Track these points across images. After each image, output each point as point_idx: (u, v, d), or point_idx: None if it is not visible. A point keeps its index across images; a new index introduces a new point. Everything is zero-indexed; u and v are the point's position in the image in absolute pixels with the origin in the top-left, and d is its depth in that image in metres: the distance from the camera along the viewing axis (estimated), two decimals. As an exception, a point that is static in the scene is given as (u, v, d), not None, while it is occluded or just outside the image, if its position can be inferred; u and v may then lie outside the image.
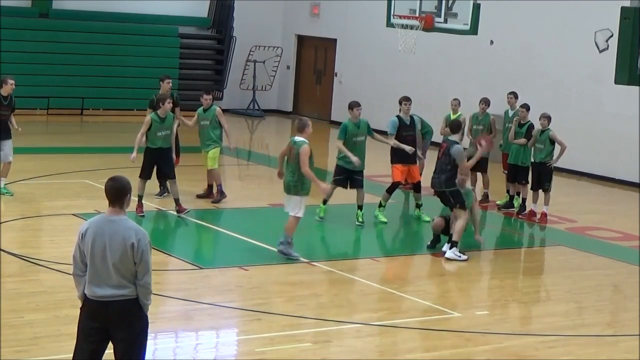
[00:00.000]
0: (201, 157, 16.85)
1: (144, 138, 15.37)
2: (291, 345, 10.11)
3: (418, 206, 16.45)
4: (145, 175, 15.42)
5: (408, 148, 15.95)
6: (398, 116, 16.36)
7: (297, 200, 13.32)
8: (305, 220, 16.43)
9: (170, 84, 17.43)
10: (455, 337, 10.77)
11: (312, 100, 29.96)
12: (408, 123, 16.23)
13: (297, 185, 13.26)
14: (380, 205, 16.15)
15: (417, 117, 16.79)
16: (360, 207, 15.77)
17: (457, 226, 13.92)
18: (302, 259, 13.51)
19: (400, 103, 16.40)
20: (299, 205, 13.33)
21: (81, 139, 22.10)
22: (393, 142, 16.05)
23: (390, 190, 16.21)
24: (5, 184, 15.98)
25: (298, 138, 13.27)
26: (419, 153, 16.71)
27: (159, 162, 15.51)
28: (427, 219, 15.94)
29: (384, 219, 16.04)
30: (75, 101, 26.54)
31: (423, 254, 14.83)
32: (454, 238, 13.92)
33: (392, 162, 16.27)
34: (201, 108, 16.79)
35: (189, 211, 15.50)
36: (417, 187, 16.45)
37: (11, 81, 15.88)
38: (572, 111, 22.06)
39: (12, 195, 15.80)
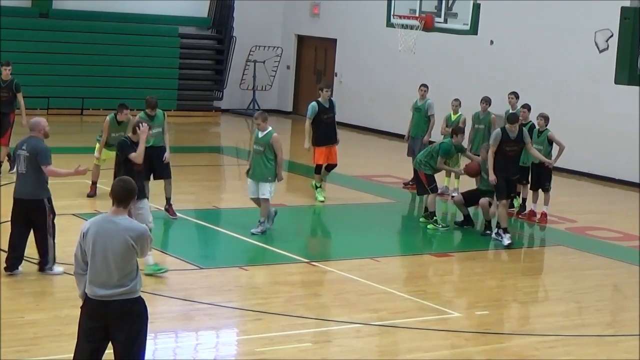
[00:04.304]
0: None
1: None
2: (291, 345, 10.11)
3: (317, 187, 17.23)
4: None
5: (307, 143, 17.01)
6: (317, 101, 17.30)
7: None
8: (305, 220, 16.53)
9: (10, 69, 17.53)
10: (455, 337, 10.77)
11: (312, 100, 29.84)
12: (327, 106, 17.22)
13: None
14: (316, 187, 17.16)
15: (431, 101, 18.50)
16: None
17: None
18: (302, 258, 13.52)
19: (320, 90, 17.40)
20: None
21: (81, 139, 22.03)
22: (307, 126, 17.19)
23: (317, 172, 17.27)
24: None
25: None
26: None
27: (153, 162, 15.04)
28: (321, 198, 16.99)
29: (322, 198, 17.03)
30: (75, 101, 26.52)
31: (423, 254, 14.84)
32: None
33: (314, 144, 17.18)
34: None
35: (176, 218, 15.34)
36: (329, 168, 17.35)
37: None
38: (572, 111, 22.05)
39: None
